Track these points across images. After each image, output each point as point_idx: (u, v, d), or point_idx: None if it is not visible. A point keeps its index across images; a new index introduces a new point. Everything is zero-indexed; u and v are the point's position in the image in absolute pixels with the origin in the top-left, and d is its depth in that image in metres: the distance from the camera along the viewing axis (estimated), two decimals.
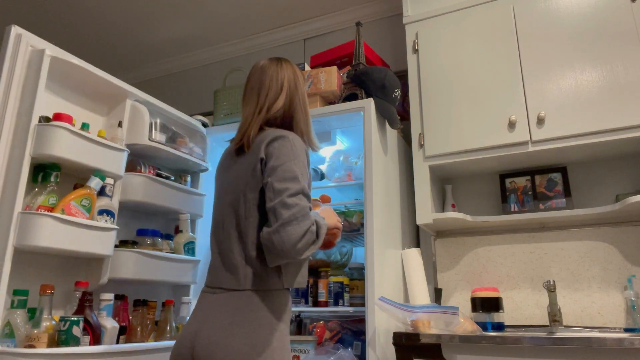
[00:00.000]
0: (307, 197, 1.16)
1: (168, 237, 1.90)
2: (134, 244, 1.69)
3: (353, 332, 1.95)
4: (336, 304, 1.85)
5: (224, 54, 3.25)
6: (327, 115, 1.94)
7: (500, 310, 1.77)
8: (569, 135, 1.74)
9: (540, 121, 1.79)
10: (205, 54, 3.32)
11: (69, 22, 2.94)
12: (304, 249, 1.10)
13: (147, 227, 1.85)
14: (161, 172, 1.87)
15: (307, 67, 2.19)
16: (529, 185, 2.02)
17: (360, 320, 1.91)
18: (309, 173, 1.25)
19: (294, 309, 1.96)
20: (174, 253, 1.83)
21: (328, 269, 1.96)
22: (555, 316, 1.77)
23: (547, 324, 1.83)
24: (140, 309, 1.64)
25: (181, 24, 3.01)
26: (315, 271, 1.97)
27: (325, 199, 1.86)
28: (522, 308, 1.96)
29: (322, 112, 1.95)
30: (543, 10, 1.90)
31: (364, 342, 1.74)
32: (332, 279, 1.89)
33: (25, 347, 1.26)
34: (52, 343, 1.30)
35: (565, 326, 1.81)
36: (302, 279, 1.28)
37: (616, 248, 1.86)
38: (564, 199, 1.94)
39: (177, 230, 1.95)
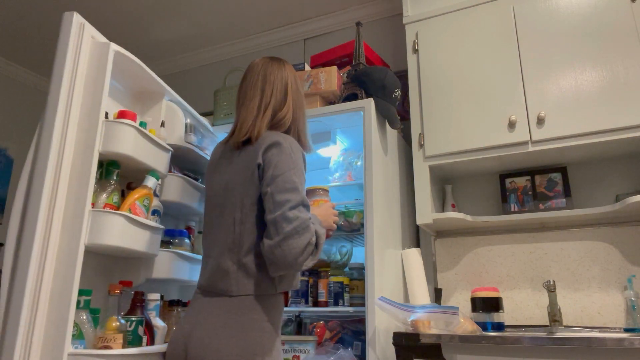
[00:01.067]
0: (307, 207, 1.18)
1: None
2: (168, 244, 1.69)
3: (353, 332, 1.95)
4: (336, 304, 1.85)
5: (224, 54, 3.26)
6: (327, 115, 1.94)
7: (500, 310, 1.77)
8: (569, 135, 1.74)
9: (540, 121, 1.79)
10: (205, 54, 3.32)
11: None
12: (304, 261, 1.13)
13: (168, 226, 1.85)
14: (188, 174, 1.88)
15: (307, 67, 2.19)
16: (529, 185, 2.02)
17: (360, 320, 1.91)
18: (304, 176, 1.26)
19: (294, 309, 1.96)
20: (194, 253, 1.85)
21: (328, 269, 1.96)
22: (555, 316, 1.77)
23: (547, 324, 1.83)
24: (175, 308, 1.64)
25: (181, 24, 3.01)
26: (315, 271, 1.97)
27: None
28: (522, 308, 1.96)
29: (322, 112, 1.95)
30: (543, 10, 1.90)
31: (364, 342, 1.74)
32: (332, 279, 1.89)
33: (101, 348, 1.24)
34: (124, 343, 1.29)
35: (565, 326, 1.81)
36: (296, 282, 1.30)
37: (616, 248, 1.86)
38: (564, 199, 1.94)
39: (192, 231, 1.96)
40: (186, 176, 1.82)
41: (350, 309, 1.83)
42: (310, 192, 1.49)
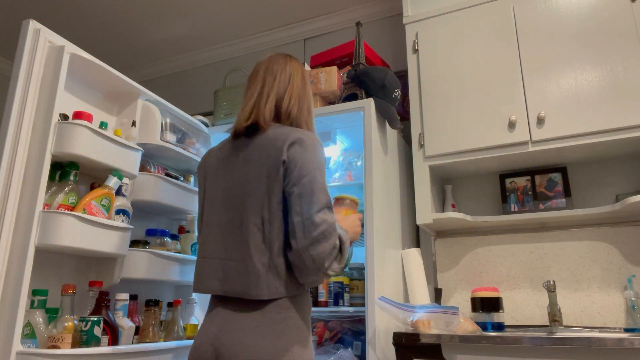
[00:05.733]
0: (331, 209, 1.17)
1: (173, 237, 1.91)
2: (145, 244, 1.69)
3: (353, 332, 1.95)
4: (336, 304, 1.85)
5: (224, 54, 3.25)
6: (327, 115, 1.94)
7: (500, 310, 1.77)
8: (569, 135, 1.74)
9: (540, 121, 1.79)
10: (205, 54, 3.32)
11: (65, 20, 2.94)
12: (330, 265, 1.13)
13: (150, 226, 1.86)
14: (170, 172, 1.88)
15: (307, 67, 2.19)
16: (529, 185, 2.02)
17: (360, 320, 1.91)
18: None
19: None
20: (180, 253, 1.84)
21: None
22: (555, 316, 1.77)
23: (547, 324, 1.83)
24: (152, 308, 1.65)
25: (181, 24, 3.01)
26: None
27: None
28: (522, 308, 1.96)
29: (322, 112, 1.94)
30: (543, 10, 1.90)
31: (364, 342, 1.74)
32: (332, 279, 1.89)
33: (49, 347, 1.25)
34: (74, 343, 1.30)
35: (565, 326, 1.81)
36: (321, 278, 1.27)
37: (616, 248, 1.86)
38: (564, 199, 1.94)
39: (184, 230, 1.95)
40: (168, 175, 1.83)
41: (350, 309, 1.83)
42: (339, 201, 1.44)
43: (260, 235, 1.16)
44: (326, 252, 1.10)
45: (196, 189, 1.96)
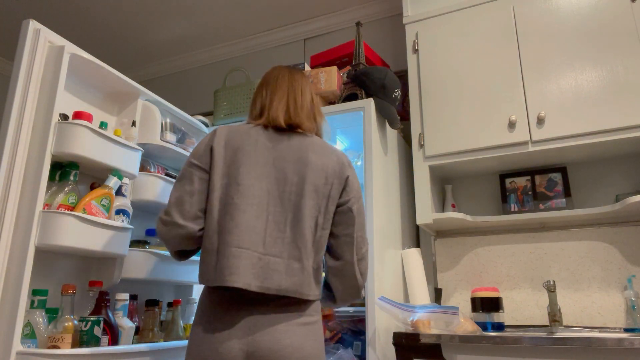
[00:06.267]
0: None
1: None
2: (145, 243, 1.69)
3: (353, 332, 1.95)
4: None
5: (224, 54, 3.25)
6: (327, 115, 1.93)
7: (500, 310, 1.77)
8: (569, 135, 1.74)
9: (540, 121, 1.79)
10: (205, 54, 3.32)
11: (65, 21, 2.94)
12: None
13: (150, 226, 1.86)
14: (170, 172, 1.88)
15: (307, 67, 2.19)
16: (529, 185, 2.02)
17: (360, 320, 1.91)
18: None
19: None
20: None
21: None
22: (555, 316, 1.77)
23: (547, 324, 1.83)
24: (152, 308, 1.64)
25: (181, 24, 3.01)
26: None
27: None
28: (522, 308, 1.95)
29: (323, 112, 1.94)
30: (543, 10, 1.90)
31: (364, 342, 1.74)
32: None
33: (49, 347, 1.25)
34: (74, 343, 1.30)
35: (565, 326, 1.81)
36: None
37: (616, 248, 1.86)
38: (564, 199, 1.94)
39: None
40: (168, 175, 1.83)
41: (350, 309, 1.83)
42: None
43: (312, 238, 1.19)
44: (367, 269, 1.24)
45: None
